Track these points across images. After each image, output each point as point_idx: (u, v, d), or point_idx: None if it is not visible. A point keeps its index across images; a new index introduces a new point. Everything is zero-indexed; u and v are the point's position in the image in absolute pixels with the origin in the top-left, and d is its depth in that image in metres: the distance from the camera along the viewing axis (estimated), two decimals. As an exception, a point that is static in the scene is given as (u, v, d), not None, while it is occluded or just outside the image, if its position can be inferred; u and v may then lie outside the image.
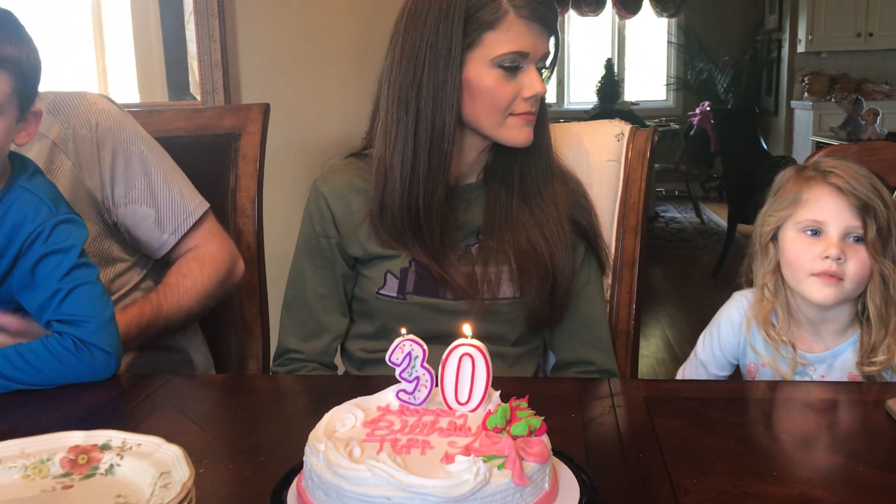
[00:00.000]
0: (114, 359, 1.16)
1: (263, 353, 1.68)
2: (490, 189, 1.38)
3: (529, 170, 1.36)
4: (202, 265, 1.45)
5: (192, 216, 1.48)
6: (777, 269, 1.29)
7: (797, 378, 1.28)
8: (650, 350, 4.26)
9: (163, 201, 1.46)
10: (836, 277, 1.19)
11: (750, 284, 1.37)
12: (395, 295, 1.33)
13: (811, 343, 1.29)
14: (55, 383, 1.13)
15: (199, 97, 2.71)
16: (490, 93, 1.26)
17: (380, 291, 1.34)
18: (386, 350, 1.34)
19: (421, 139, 1.27)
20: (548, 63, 1.32)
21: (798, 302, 1.28)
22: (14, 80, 1.13)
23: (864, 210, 1.19)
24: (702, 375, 1.39)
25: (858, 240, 1.20)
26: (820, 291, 1.20)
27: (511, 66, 1.26)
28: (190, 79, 2.82)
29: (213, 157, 1.66)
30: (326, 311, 1.39)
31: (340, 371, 1.46)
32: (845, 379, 1.25)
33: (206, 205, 1.51)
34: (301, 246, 1.40)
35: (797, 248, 1.24)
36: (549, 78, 1.36)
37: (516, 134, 1.30)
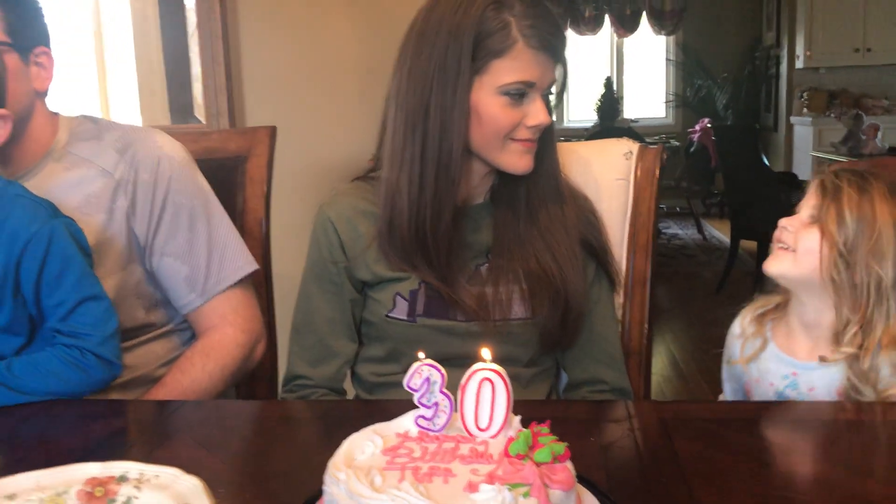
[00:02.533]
0: (117, 368, 1.23)
1: (272, 376, 1.67)
2: (498, 209, 1.38)
3: (535, 192, 1.35)
4: (206, 360, 1.40)
5: (223, 282, 1.44)
6: None
7: (788, 391, 1.26)
8: (657, 368, 4.24)
9: (198, 261, 1.42)
10: (790, 249, 1.22)
11: None
12: (404, 318, 1.32)
13: (805, 351, 1.26)
14: (61, 393, 1.17)
15: (203, 120, 2.71)
16: (494, 119, 1.26)
17: (389, 314, 1.33)
18: (396, 373, 1.36)
19: (428, 162, 1.26)
20: (554, 91, 1.31)
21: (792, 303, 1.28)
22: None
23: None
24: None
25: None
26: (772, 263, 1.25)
27: (517, 95, 1.25)
28: (193, 101, 2.82)
29: (220, 181, 1.65)
30: (335, 335, 1.37)
31: (350, 395, 1.45)
32: (833, 394, 1.21)
33: (244, 272, 1.46)
34: (308, 271, 1.39)
35: None
36: (557, 105, 1.36)
37: (516, 160, 1.30)
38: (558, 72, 1.30)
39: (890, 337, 1.15)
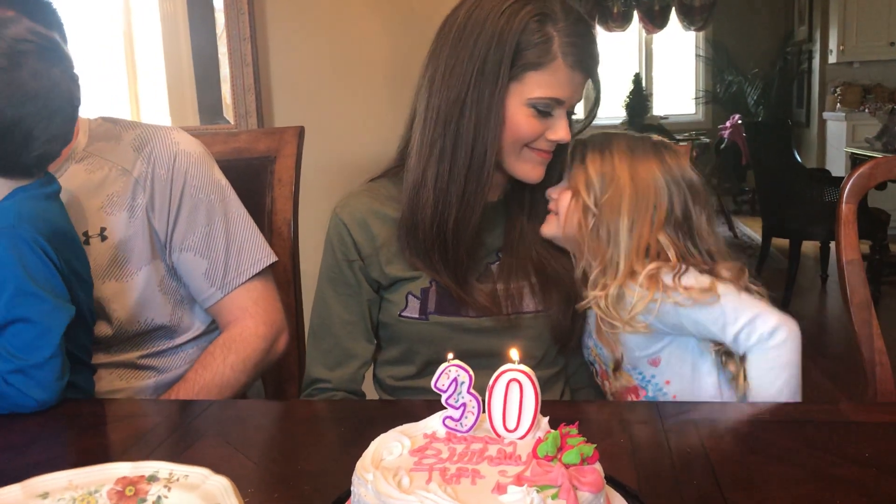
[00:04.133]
0: (34, 403, 1.12)
1: (301, 375, 1.68)
2: (511, 209, 1.39)
3: (540, 190, 1.37)
4: (227, 353, 1.41)
5: (242, 275, 1.45)
6: None
7: (589, 342, 1.39)
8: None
9: (216, 255, 1.44)
10: (555, 213, 1.35)
11: None
12: (416, 316, 1.33)
13: None
14: None
15: (232, 121, 2.73)
16: (517, 127, 1.26)
17: (402, 314, 1.33)
18: (412, 376, 1.36)
19: (459, 161, 1.26)
20: (576, 107, 1.33)
21: None
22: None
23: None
24: None
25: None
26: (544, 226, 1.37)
27: (545, 109, 1.25)
28: (222, 102, 2.84)
29: (248, 181, 1.66)
30: (352, 337, 1.37)
31: (371, 396, 1.45)
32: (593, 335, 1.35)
33: (263, 264, 1.48)
34: (323, 274, 1.39)
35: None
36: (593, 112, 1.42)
37: (529, 169, 1.31)
38: (590, 92, 1.33)
39: (628, 271, 1.27)
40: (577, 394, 1.47)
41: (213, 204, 1.46)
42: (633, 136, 1.38)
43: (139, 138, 1.44)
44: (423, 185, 1.28)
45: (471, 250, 1.31)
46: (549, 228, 1.35)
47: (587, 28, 1.27)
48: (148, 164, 1.42)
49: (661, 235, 1.29)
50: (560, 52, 1.23)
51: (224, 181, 1.50)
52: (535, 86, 1.24)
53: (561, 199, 1.33)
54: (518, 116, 1.25)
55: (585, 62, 1.25)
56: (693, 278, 1.25)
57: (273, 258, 1.50)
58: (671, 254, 1.28)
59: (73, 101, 1.21)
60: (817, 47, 7.83)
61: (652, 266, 1.26)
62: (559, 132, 1.27)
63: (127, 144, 1.44)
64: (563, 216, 1.32)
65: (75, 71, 1.23)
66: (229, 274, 1.45)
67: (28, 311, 1.13)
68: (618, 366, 1.34)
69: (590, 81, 1.32)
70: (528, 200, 1.38)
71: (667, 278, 1.25)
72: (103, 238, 1.39)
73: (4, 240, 1.13)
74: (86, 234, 1.38)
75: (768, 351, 1.21)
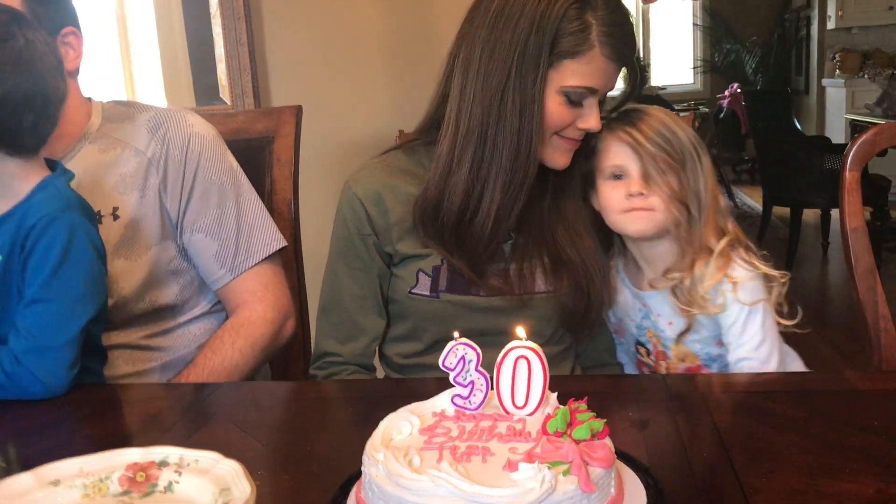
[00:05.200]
0: (41, 388, 1.13)
1: (304, 355, 1.68)
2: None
3: (561, 183, 1.36)
4: (236, 337, 1.41)
5: (252, 258, 1.46)
6: None
7: (645, 322, 1.37)
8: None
9: (227, 237, 1.45)
10: (646, 208, 1.29)
11: None
12: (427, 293, 1.32)
13: (645, 283, 1.37)
14: None
15: (228, 101, 2.71)
16: (549, 115, 1.24)
17: (412, 291, 1.33)
18: (420, 353, 1.36)
19: (501, 150, 1.24)
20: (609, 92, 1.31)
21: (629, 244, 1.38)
22: None
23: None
24: None
25: (661, 171, 1.28)
26: (633, 226, 1.31)
27: (577, 97, 1.24)
28: (218, 83, 2.82)
29: (247, 162, 1.65)
30: (363, 312, 1.37)
31: (379, 373, 1.45)
32: (676, 314, 1.32)
33: (273, 248, 1.48)
34: (334, 248, 1.39)
35: (607, 192, 1.32)
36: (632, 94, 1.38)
37: (557, 157, 1.30)
38: (630, 79, 1.33)
39: (708, 248, 1.28)
40: (588, 372, 1.47)
41: (226, 187, 1.46)
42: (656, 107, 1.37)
43: (154, 120, 1.45)
44: (458, 170, 1.26)
45: (492, 236, 1.30)
46: (644, 224, 1.30)
47: (625, 17, 1.25)
48: (162, 146, 1.42)
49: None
50: (598, 41, 1.21)
51: (236, 165, 1.51)
52: (570, 74, 1.22)
53: (651, 192, 1.28)
54: (551, 104, 1.23)
55: (622, 52, 1.23)
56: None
57: (283, 243, 1.51)
58: (729, 226, 1.31)
59: (59, 66, 1.21)
60: (815, 13, 7.76)
61: (724, 242, 1.28)
62: (590, 121, 1.25)
63: (141, 125, 1.44)
64: (662, 208, 1.28)
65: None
66: (239, 256, 1.45)
67: (59, 293, 1.14)
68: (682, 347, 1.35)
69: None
70: (550, 183, 1.36)
71: (737, 256, 1.28)
72: (115, 217, 1.40)
73: (59, 223, 1.14)
74: (98, 213, 1.38)
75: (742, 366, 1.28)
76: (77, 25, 1.41)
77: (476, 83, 1.24)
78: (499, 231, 1.31)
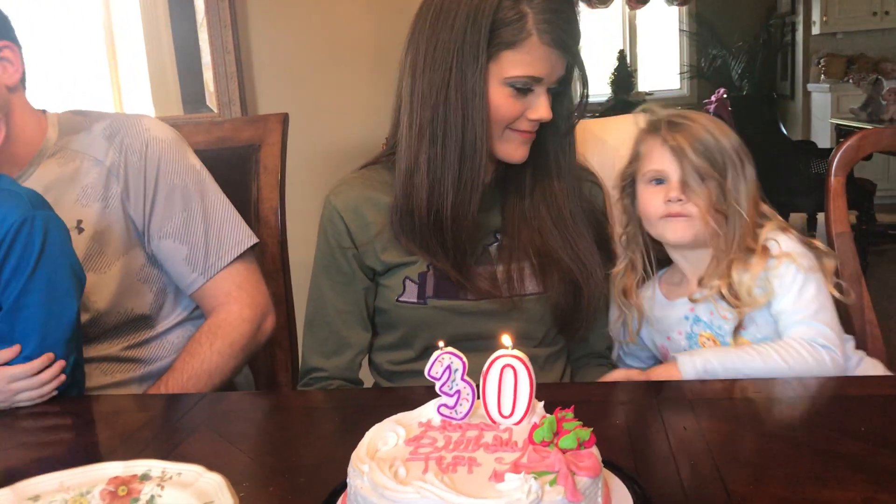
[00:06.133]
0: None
1: (292, 364, 1.67)
2: (506, 189, 1.37)
3: (541, 173, 1.35)
4: (213, 339, 1.40)
5: (223, 259, 1.44)
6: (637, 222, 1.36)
7: (696, 329, 1.31)
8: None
9: (196, 240, 1.43)
10: (684, 215, 1.26)
11: None
12: (415, 301, 1.32)
13: (688, 291, 1.33)
14: None
15: (215, 109, 2.70)
16: (497, 108, 1.24)
17: (400, 299, 1.32)
18: (411, 360, 1.35)
19: (450, 145, 1.24)
20: (559, 81, 1.29)
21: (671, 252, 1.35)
22: None
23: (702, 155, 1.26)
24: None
25: (701, 179, 1.26)
26: (672, 232, 1.28)
27: (523, 88, 1.24)
28: (205, 91, 2.81)
29: (233, 170, 1.64)
30: (347, 326, 1.37)
31: (368, 381, 1.44)
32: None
33: (244, 246, 1.46)
34: (318, 263, 1.38)
35: (647, 197, 1.30)
36: (584, 95, 1.36)
37: (512, 150, 1.29)
38: (569, 69, 1.30)
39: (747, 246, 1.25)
40: (581, 372, 1.45)
41: (189, 188, 1.44)
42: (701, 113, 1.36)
43: (109, 128, 1.42)
44: (417, 170, 1.27)
45: (469, 234, 1.30)
46: (682, 232, 1.28)
47: (564, 4, 1.24)
48: (120, 153, 1.40)
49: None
50: (535, 29, 1.21)
51: (199, 165, 1.48)
52: (512, 64, 1.22)
53: (690, 198, 1.26)
54: (497, 97, 1.24)
55: (561, 38, 1.23)
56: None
57: (254, 240, 1.49)
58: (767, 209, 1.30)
59: None
60: (800, 19, 7.81)
61: (764, 232, 1.26)
62: (539, 111, 1.25)
63: (97, 135, 1.42)
64: (699, 216, 1.26)
65: None
66: (210, 258, 1.43)
67: (38, 297, 1.14)
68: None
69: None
70: (527, 181, 1.35)
71: (773, 241, 1.25)
72: (80, 230, 1.37)
73: (38, 222, 1.14)
74: None
75: (803, 352, 1.18)
76: (11, 38, 1.36)
77: (422, 83, 1.25)
78: (476, 230, 1.30)
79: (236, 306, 1.43)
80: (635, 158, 1.33)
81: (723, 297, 1.26)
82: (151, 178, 1.41)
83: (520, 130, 1.27)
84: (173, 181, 1.42)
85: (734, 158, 1.27)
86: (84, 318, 1.37)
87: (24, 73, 1.38)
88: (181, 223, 1.42)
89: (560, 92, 1.30)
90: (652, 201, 1.29)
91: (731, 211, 1.25)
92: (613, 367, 1.46)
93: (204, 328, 1.42)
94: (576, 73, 1.32)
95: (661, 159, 1.28)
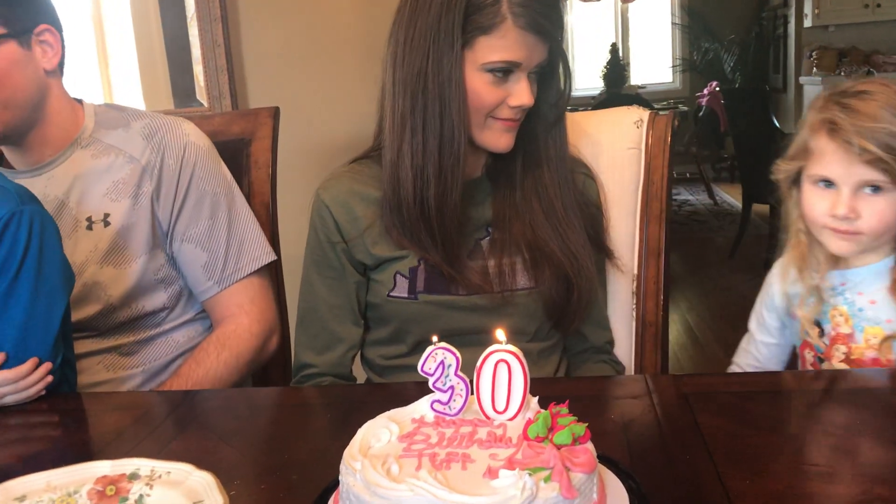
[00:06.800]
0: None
1: (284, 359, 1.66)
2: (496, 183, 1.36)
3: (531, 165, 1.34)
4: (221, 349, 1.40)
5: (240, 271, 1.45)
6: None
7: (835, 301, 1.23)
8: (672, 336, 4.20)
9: (217, 249, 1.44)
10: (851, 232, 1.16)
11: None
12: (405, 295, 1.31)
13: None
14: None
15: (205, 103, 2.69)
16: (476, 96, 1.23)
17: (391, 294, 1.31)
18: (403, 355, 1.35)
19: (430, 135, 1.24)
20: (541, 66, 1.27)
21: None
22: None
23: (879, 161, 1.12)
24: (753, 350, 1.39)
25: (876, 189, 1.15)
26: (835, 244, 1.19)
27: (501, 73, 1.22)
28: (195, 85, 2.79)
29: (225, 164, 1.63)
30: (338, 321, 1.36)
31: (360, 380, 1.43)
32: (886, 291, 1.18)
33: (261, 262, 1.48)
34: (308, 258, 1.38)
35: (812, 200, 1.21)
36: (567, 83, 1.32)
37: (496, 139, 1.28)
38: (551, 53, 1.26)
39: None
40: (581, 368, 1.45)
41: (219, 198, 1.45)
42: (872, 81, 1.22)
43: (149, 127, 1.44)
44: (401, 161, 1.26)
45: (458, 226, 1.29)
46: (848, 248, 1.19)
47: None
48: (157, 154, 1.41)
49: None
50: (509, 13, 1.19)
51: (230, 176, 1.51)
52: (488, 50, 1.21)
53: (860, 215, 1.15)
54: (476, 84, 1.22)
55: (537, 22, 1.20)
56: None
57: (272, 257, 1.50)
58: None
59: None
60: (792, 11, 7.81)
61: None
62: (521, 97, 1.23)
63: (136, 132, 1.43)
64: (871, 233, 1.16)
65: None
66: (228, 269, 1.44)
67: (24, 298, 1.12)
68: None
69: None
70: (518, 173, 1.34)
71: None
72: (106, 224, 1.38)
73: (26, 217, 1.12)
74: (89, 219, 1.38)
75: None
76: (54, 22, 1.37)
77: (401, 73, 1.24)
78: (466, 223, 1.30)
79: (246, 320, 1.45)
80: (803, 152, 1.22)
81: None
82: (184, 182, 1.42)
83: (502, 119, 1.26)
84: (204, 188, 1.44)
85: None
86: (95, 309, 1.38)
87: (63, 58, 1.40)
88: (205, 230, 1.43)
89: (544, 79, 1.29)
90: (816, 206, 1.19)
91: None
92: (615, 362, 1.45)
93: (212, 338, 1.43)
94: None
95: (830, 164, 1.16)
